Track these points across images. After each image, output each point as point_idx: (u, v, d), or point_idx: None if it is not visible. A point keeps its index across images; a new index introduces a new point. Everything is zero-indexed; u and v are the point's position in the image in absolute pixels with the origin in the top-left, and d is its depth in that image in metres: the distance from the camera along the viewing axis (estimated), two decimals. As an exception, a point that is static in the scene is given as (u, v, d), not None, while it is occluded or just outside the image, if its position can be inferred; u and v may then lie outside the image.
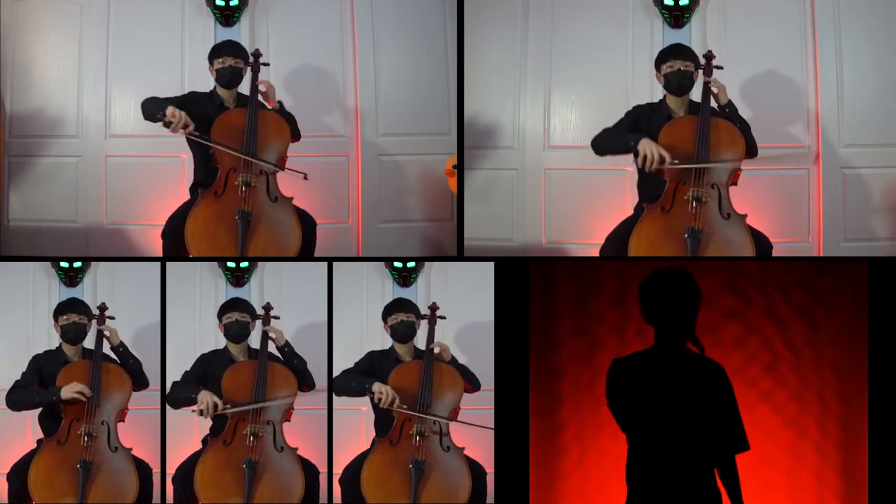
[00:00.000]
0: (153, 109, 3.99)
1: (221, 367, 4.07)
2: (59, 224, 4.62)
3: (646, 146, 3.82)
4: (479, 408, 4.07)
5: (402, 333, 4.12)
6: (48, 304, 4.31)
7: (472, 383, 4.11)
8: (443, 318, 4.14)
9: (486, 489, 4.04)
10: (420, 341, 4.16)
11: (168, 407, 4.11)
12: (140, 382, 4.12)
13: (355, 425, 4.23)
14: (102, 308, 4.13)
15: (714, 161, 3.86)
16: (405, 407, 3.98)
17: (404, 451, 3.98)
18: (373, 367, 4.10)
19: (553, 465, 3.99)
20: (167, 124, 3.95)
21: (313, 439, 4.19)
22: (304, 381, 4.12)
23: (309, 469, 4.07)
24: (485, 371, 4.10)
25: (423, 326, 4.14)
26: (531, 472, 3.99)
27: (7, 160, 4.62)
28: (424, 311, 4.16)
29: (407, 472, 3.97)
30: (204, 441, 4.05)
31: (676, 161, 3.83)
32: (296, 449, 4.06)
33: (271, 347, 4.11)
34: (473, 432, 4.03)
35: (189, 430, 4.19)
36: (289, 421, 4.07)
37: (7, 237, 4.59)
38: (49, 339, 4.22)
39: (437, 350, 4.07)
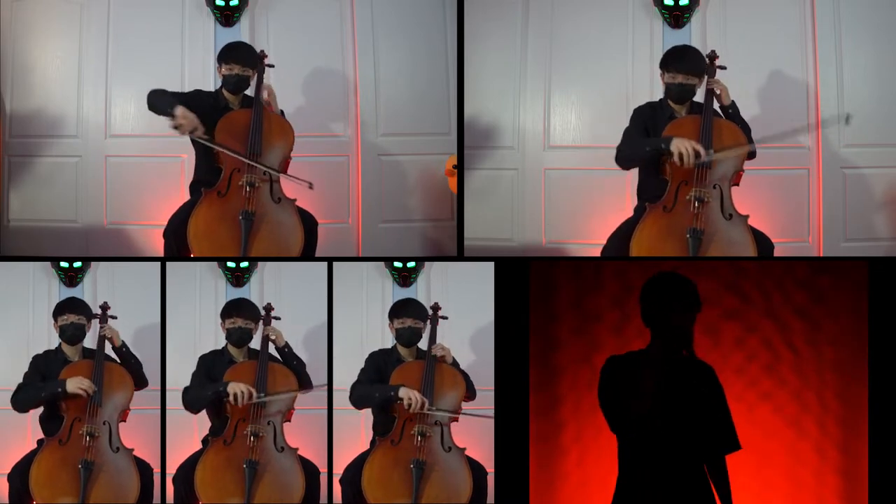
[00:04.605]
0: (162, 104, 3.92)
1: (222, 368, 4.06)
2: (59, 224, 4.62)
3: (680, 144, 3.76)
4: (479, 408, 4.06)
5: (408, 339, 4.09)
6: (48, 303, 4.29)
7: (469, 390, 4.09)
8: (445, 318, 4.13)
9: (486, 489, 4.04)
10: (422, 341, 4.15)
11: (167, 407, 4.11)
12: (139, 382, 4.11)
13: (355, 425, 4.23)
14: (105, 308, 4.12)
15: (719, 158, 3.85)
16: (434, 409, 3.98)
17: (406, 450, 3.98)
18: (380, 372, 4.07)
19: (553, 465, 4.00)
20: (176, 126, 3.91)
21: (313, 439, 4.19)
22: (303, 383, 4.11)
23: (309, 469, 4.07)
24: (485, 371, 4.10)
25: (426, 327, 4.13)
26: (531, 472, 3.99)
27: (7, 160, 4.61)
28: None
29: (408, 472, 3.96)
30: (204, 441, 4.05)
31: (711, 151, 3.82)
32: (296, 449, 4.05)
33: (271, 348, 4.10)
34: (475, 432, 4.03)
35: (189, 430, 4.18)
36: (289, 421, 4.07)
37: (7, 237, 4.58)
38: (49, 339, 4.21)
39: (439, 353, 4.06)
